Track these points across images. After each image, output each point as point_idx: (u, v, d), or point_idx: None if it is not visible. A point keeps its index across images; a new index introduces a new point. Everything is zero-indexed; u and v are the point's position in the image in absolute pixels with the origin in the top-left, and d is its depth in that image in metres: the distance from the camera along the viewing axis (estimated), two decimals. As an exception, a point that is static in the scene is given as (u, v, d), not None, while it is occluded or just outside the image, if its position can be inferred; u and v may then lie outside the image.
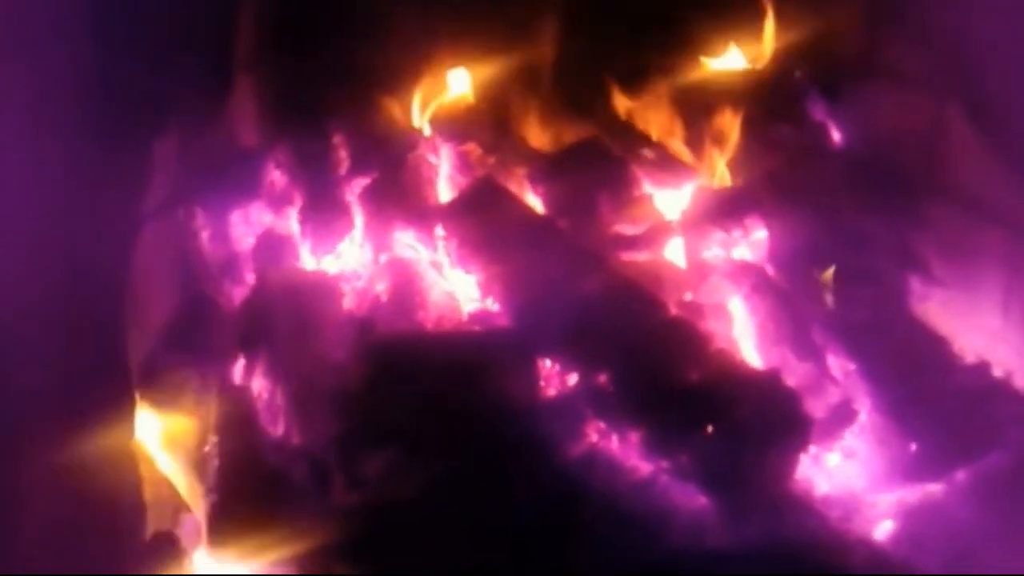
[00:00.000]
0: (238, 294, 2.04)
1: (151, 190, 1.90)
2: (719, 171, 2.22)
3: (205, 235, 2.06)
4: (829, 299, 1.99)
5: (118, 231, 1.77)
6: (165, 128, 1.91)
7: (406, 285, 2.07)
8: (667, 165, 2.22)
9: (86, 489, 1.63)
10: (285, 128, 2.16)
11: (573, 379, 1.89)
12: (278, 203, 2.14)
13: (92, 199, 1.67)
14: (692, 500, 1.74)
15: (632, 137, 2.26)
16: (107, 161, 1.75)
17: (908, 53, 2.15)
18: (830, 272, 2.00)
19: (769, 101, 2.22)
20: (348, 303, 2.05)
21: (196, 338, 1.94)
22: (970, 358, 1.93)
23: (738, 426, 1.77)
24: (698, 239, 2.07)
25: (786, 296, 1.98)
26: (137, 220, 1.85)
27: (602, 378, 1.85)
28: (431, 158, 2.23)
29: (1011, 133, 2.00)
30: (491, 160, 2.21)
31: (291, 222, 2.14)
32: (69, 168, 1.66)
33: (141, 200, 1.87)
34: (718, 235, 2.06)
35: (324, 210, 2.13)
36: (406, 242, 2.12)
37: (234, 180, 2.11)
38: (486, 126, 2.26)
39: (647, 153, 2.23)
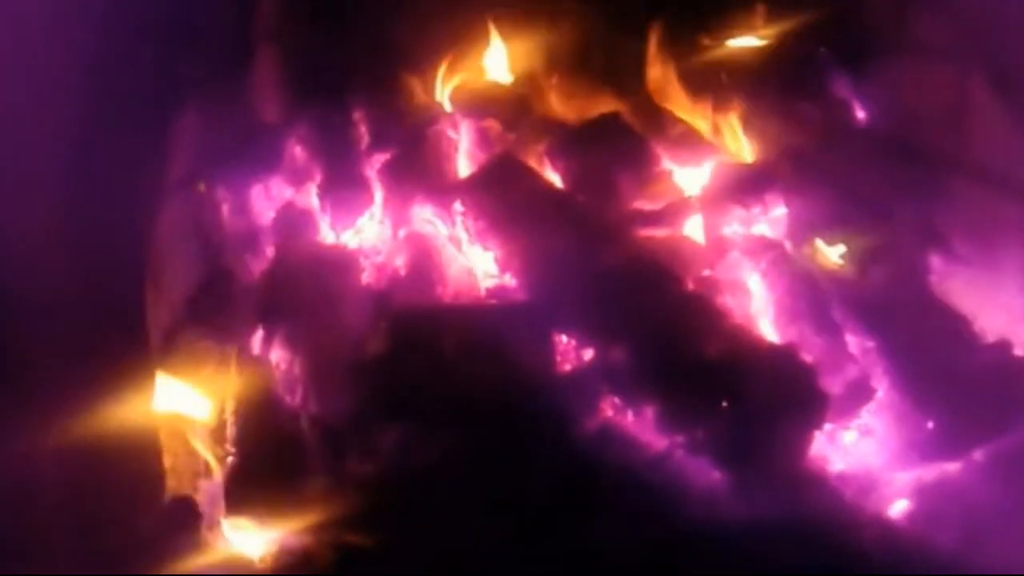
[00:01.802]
0: (258, 267, 2.06)
1: (172, 164, 1.92)
2: (740, 147, 2.21)
3: (226, 208, 2.08)
4: (849, 275, 1.97)
5: (139, 205, 1.78)
6: (186, 102, 1.91)
7: (424, 260, 2.07)
8: (687, 141, 2.20)
9: (106, 456, 1.66)
10: (306, 102, 2.17)
11: (589, 354, 1.89)
12: (298, 177, 2.16)
13: (113, 173, 1.69)
14: (707, 475, 1.74)
15: (652, 113, 2.25)
16: (129, 135, 1.76)
17: (933, 27, 2.12)
18: (850, 248, 1.98)
19: (792, 77, 2.20)
20: (367, 277, 2.06)
21: (216, 310, 1.96)
22: (991, 337, 1.90)
23: (754, 402, 1.76)
24: (717, 215, 2.05)
25: (805, 272, 1.97)
26: (158, 194, 1.86)
27: (618, 353, 1.85)
28: (451, 133, 2.23)
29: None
30: (511, 136, 2.21)
31: (311, 197, 2.16)
32: (91, 143, 1.68)
33: (162, 174, 1.89)
34: (738, 211, 2.05)
35: (344, 185, 2.14)
36: (425, 217, 2.12)
37: (255, 154, 2.12)
38: (506, 102, 2.25)
39: (667, 129, 2.21)
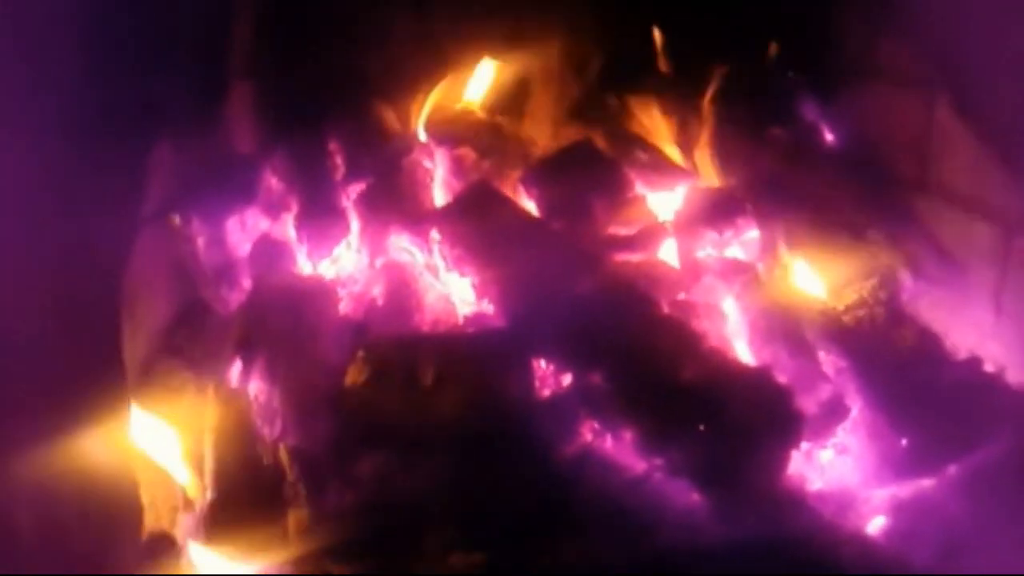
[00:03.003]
0: (235, 299, 2.06)
1: (146, 196, 1.92)
2: (711, 172, 2.24)
3: (201, 241, 2.07)
4: (821, 297, 2.00)
5: (113, 237, 1.78)
6: (160, 133, 1.92)
7: (402, 289, 2.08)
8: (659, 166, 2.23)
9: (82, 491, 1.64)
10: (281, 134, 2.18)
11: (567, 379, 1.90)
12: (274, 209, 2.17)
13: (86, 205, 1.68)
14: (686, 497, 1.74)
15: (624, 139, 2.27)
16: (102, 166, 1.76)
17: (899, 52, 2.16)
18: (821, 270, 2.01)
19: (761, 101, 2.24)
20: (344, 307, 2.06)
21: (192, 342, 1.96)
22: (962, 354, 1.93)
23: (731, 423, 1.77)
24: (690, 239, 2.08)
25: (778, 294, 1.99)
26: (133, 226, 1.86)
27: (596, 378, 1.86)
28: (426, 163, 2.25)
29: (1002, 130, 2.01)
30: (485, 164, 2.23)
31: (287, 227, 2.16)
32: (63, 173, 1.67)
33: (136, 206, 1.88)
34: (711, 235, 2.08)
35: (320, 215, 2.15)
36: (402, 246, 2.13)
37: (230, 186, 2.13)
38: (480, 130, 2.28)
39: (639, 155, 2.24)
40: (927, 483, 1.81)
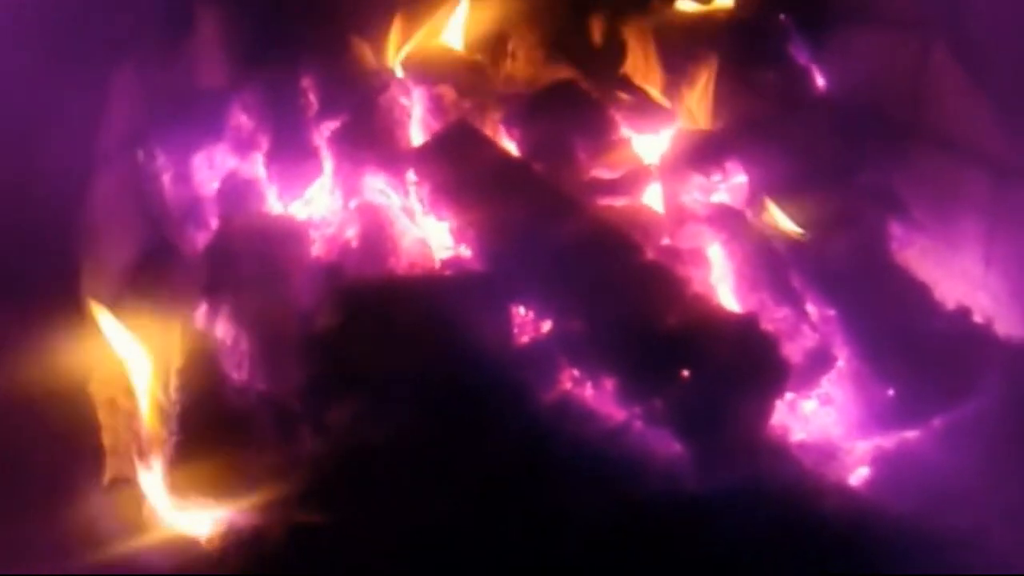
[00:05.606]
0: (201, 239, 1.98)
1: (109, 128, 1.83)
2: (699, 115, 2.17)
3: (166, 177, 1.99)
4: (809, 244, 1.95)
5: (73, 168, 1.69)
6: (123, 61, 1.82)
7: (377, 232, 2.01)
8: (646, 108, 2.17)
9: (42, 434, 1.58)
10: (251, 67, 2.09)
11: (547, 326, 1.85)
12: (244, 146, 2.08)
13: (45, 133, 1.60)
14: (667, 446, 1.71)
15: (610, 80, 2.20)
16: (62, 95, 1.67)
17: (895, -6, 2.10)
18: (810, 216, 1.95)
19: (751, 44, 2.17)
20: (317, 250, 1.99)
21: (158, 282, 1.88)
22: (950, 305, 1.89)
23: (714, 372, 1.74)
24: (676, 183, 2.02)
25: (765, 241, 1.94)
26: (93, 158, 1.77)
27: (576, 324, 1.81)
28: (403, 101, 2.17)
29: (998, 75, 1.95)
30: (465, 103, 2.15)
31: (257, 166, 2.08)
32: (22, 98, 1.58)
33: (97, 138, 1.79)
34: (697, 179, 2.02)
35: (292, 154, 2.07)
36: (377, 187, 2.06)
37: (197, 121, 2.03)
38: (460, 68, 2.19)
39: (625, 96, 2.17)
40: (911, 435, 1.78)
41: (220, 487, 1.63)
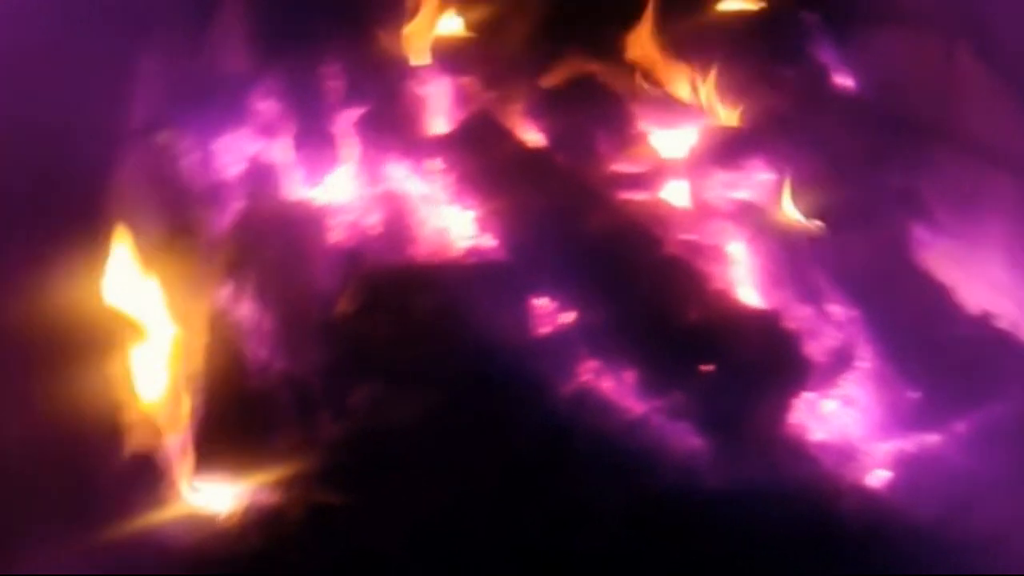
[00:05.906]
0: (224, 222, 1.98)
1: (131, 110, 1.83)
2: (723, 112, 2.17)
3: (189, 161, 1.99)
4: (833, 243, 1.94)
5: (98, 151, 1.69)
6: (148, 45, 1.82)
7: (398, 219, 2.01)
8: (670, 104, 2.17)
9: (64, 410, 1.59)
10: (276, 53, 2.09)
11: (568, 317, 1.84)
12: (267, 131, 2.08)
13: (70, 117, 1.60)
14: (686, 440, 1.70)
15: (634, 74, 2.20)
16: (87, 80, 1.67)
17: (921, -6, 2.09)
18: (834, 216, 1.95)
19: (776, 42, 2.16)
20: (339, 235, 1.99)
21: (181, 263, 1.88)
22: (974, 308, 1.88)
23: (735, 368, 1.73)
24: (700, 180, 2.02)
25: (789, 239, 1.93)
26: (116, 140, 1.77)
27: (598, 317, 1.81)
28: (428, 90, 2.17)
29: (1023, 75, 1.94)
30: (489, 94, 2.15)
31: (280, 151, 2.08)
32: (48, 82, 1.58)
33: (120, 120, 1.79)
34: (720, 176, 2.01)
35: (315, 140, 2.07)
36: (400, 175, 2.06)
37: (221, 105, 2.03)
38: (485, 59, 2.19)
39: (649, 91, 2.17)
40: (932, 438, 1.77)
41: (241, 464, 1.64)
